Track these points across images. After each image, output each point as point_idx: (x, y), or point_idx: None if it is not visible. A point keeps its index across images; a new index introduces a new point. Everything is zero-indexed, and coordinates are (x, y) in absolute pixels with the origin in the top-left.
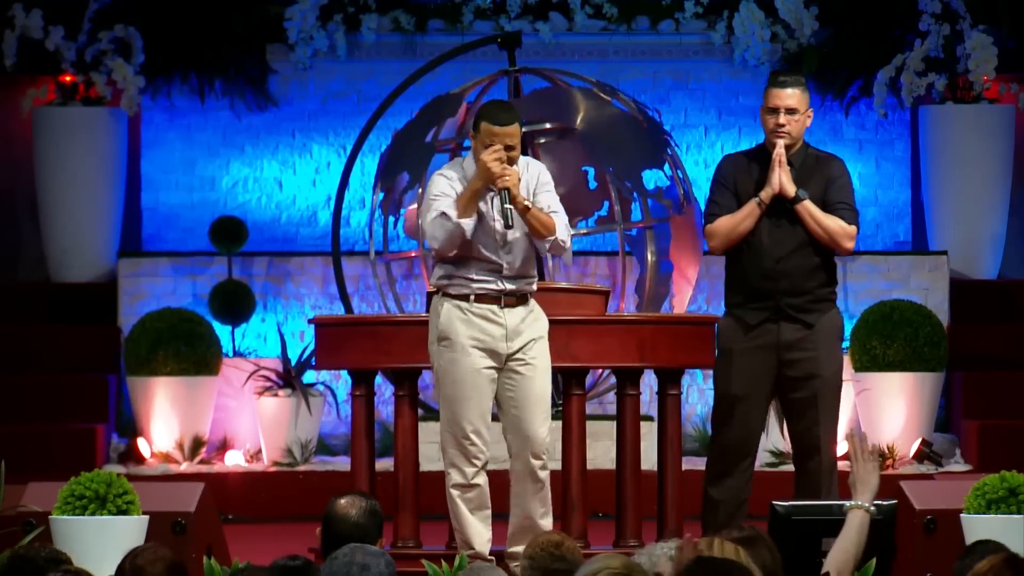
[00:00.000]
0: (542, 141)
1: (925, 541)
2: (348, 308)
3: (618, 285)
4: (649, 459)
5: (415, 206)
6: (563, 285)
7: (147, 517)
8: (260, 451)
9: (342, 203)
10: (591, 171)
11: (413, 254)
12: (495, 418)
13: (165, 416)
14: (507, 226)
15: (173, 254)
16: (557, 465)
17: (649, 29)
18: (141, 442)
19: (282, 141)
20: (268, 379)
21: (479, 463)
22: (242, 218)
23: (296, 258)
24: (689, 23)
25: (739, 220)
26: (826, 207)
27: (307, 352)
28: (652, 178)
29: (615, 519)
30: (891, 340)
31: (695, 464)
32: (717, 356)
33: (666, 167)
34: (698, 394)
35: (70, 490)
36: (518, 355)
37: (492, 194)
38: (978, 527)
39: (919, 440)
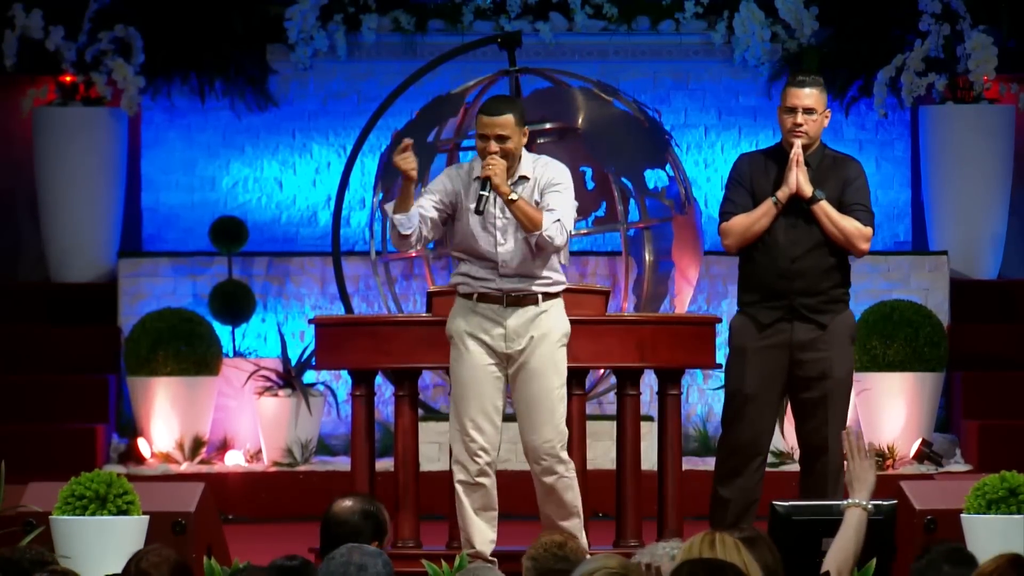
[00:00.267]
0: (542, 141)
1: (925, 541)
2: (348, 308)
3: (618, 285)
4: (649, 459)
5: None
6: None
7: (147, 517)
8: (260, 451)
9: (342, 203)
10: (588, 171)
11: (413, 254)
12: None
13: (165, 416)
14: (478, 211)
15: (173, 254)
16: None
17: (649, 29)
18: (141, 442)
19: (282, 141)
20: (268, 379)
21: (480, 461)
22: (242, 218)
23: (296, 258)
24: (689, 23)
25: (755, 219)
26: (842, 208)
27: (307, 352)
28: (652, 178)
29: (615, 519)
30: (891, 340)
31: (695, 464)
32: (730, 354)
33: (667, 167)
34: (698, 394)
35: (70, 490)
36: (520, 357)
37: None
38: (978, 527)
39: (919, 440)
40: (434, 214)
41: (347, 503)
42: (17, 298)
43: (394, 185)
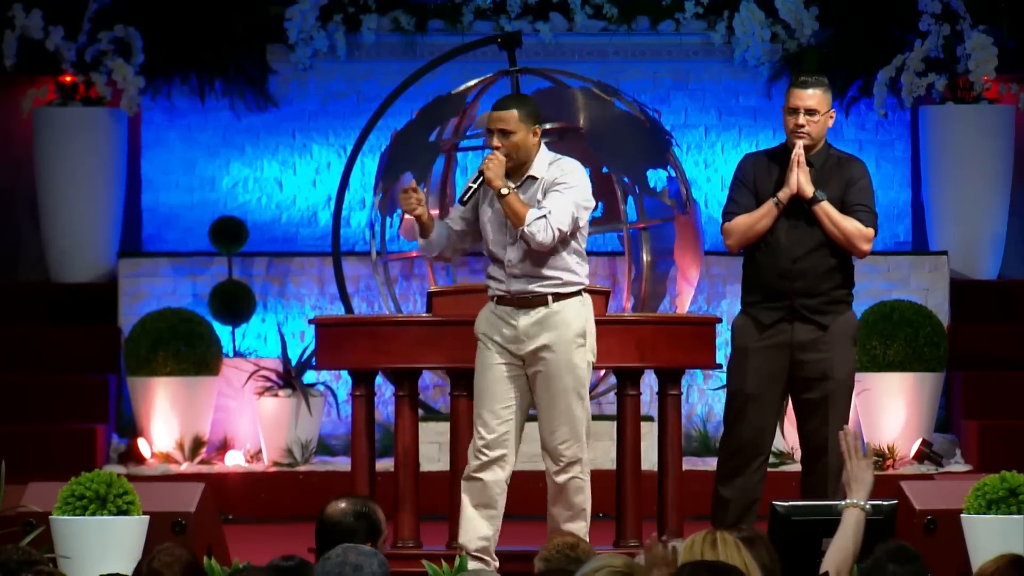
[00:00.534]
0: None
1: (925, 541)
2: (348, 308)
3: (619, 285)
4: (649, 459)
5: None
6: None
7: (147, 517)
8: (260, 451)
9: (342, 203)
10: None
11: (413, 254)
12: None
13: (165, 416)
14: (462, 201)
15: (173, 254)
16: None
17: (649, 29)
18: (141, 442)
19: (282, 141)
20: (268, 379)
21: (484, 457)
22: (242, 218)
23: (296, 258)
24: (689, 23)
25: (756, 219)
26: (845, 208)
27: (307, 352)
28: (653, 178)
29: (615, 519)
30: (891, 340)
31: (695, 464)
32: (732, 354)
33: (669, 167)
34: (698, 394)
35: (70, 490)
36: (535, 359)
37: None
38: (978, 527)
39: (919, 440)
40: (460, 225)
41: (341, 504)
42: (17, 298)
43: (394, 187)
